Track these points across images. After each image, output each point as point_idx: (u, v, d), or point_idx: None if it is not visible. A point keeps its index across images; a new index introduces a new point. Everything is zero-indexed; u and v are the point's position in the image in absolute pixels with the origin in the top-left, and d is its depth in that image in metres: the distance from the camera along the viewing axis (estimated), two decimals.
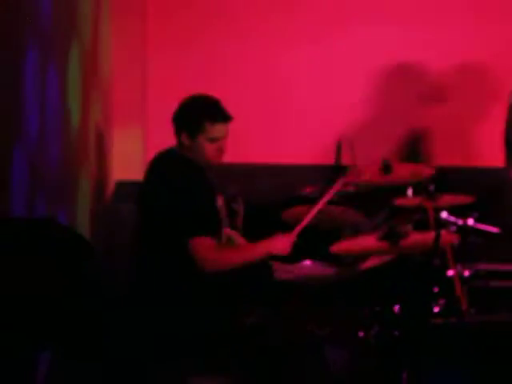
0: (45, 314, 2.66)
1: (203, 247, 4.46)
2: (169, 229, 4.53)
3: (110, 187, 6.32)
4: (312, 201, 5.17)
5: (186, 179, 4.57)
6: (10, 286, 2.61)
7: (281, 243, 4.58)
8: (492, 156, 5.91)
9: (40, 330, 2.67)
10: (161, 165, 4.73)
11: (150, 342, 4.50)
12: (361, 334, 4.49)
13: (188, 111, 4.64)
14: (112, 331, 4.45)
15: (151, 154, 4.94)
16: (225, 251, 4.62)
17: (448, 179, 5.64)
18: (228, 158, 4.77)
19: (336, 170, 5.36)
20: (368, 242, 4.62)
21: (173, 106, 4.76)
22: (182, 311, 4.50)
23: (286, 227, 4.97)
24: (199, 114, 4.58)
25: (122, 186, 6.33)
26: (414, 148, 6.67)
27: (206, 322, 4.44)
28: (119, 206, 5.97)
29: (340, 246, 4.66)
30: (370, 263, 4.92)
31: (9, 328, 2.59)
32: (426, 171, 5.29)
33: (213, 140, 4.58)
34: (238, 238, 4.92)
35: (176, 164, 4.65)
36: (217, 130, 4.57)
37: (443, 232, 4.48)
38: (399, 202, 5.21)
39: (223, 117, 4.59)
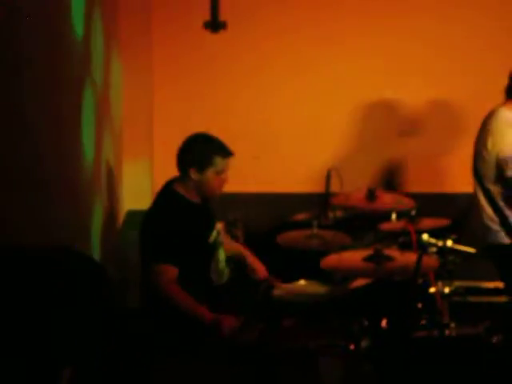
0: (65, 334, 2.61)
1: (160, 274, 4.46)
2: (147, 253, 4.58)
3: (121, 216, 6.31)
4: (304, 226, 5.19)
5: (170, 216, 4.59)
6: (31, 308, 2.56)
7: (225, 327, 4.34)
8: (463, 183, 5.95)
9: (61, 350, 2.62)
10: (159, 201, 4.76)
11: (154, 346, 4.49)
12: (352, 346, 4.48)
13: (198, 147, 4.65)
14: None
15: (158, 185, 4.93)
16: (177, 292, 4.49)
17: (425, 205, 5.65)
18: (228, 187, 4.77)
19: (326, 197, 5.37)
20: (355, 262, 4.59)
21: (176, 141, 4.76)
22: (175, 326, 4.49)
23: (280, 250, 4.98)
24: (209, 149, 4.61)
25: (132, 214, 6.32)
26: (394, 177, 6.68)
27: (199, 336, 4.40)
28: (129, 232, 5.95)
29: (328, 263, 4.63)
30: (359, 282, 4.92)
31: (32, 348, 2.54)
32: (407, 201, 5.31)
33: (219, 173, 4.61)
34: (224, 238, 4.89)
35: (170, 202, 4.67)
36: (223, 164, 4.61)
37: (425, 256, 4.47)
38: (384, 226, 5.22)
39: (229, 152, 4.63)
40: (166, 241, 4.49)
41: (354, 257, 4.64)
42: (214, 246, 4.73)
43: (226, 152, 4.62)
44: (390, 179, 6.64)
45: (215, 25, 6.31)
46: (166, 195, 4.71)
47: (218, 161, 4.59)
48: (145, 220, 4.71)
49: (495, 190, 4.63)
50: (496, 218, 4.64)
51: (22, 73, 3.62)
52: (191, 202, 4.66)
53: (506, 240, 4.62)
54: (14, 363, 2.43)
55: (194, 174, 4.61)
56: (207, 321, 4.35)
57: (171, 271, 4.47)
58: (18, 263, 2.59)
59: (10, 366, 2.43)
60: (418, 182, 6.59)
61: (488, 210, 4.67)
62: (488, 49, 6.37)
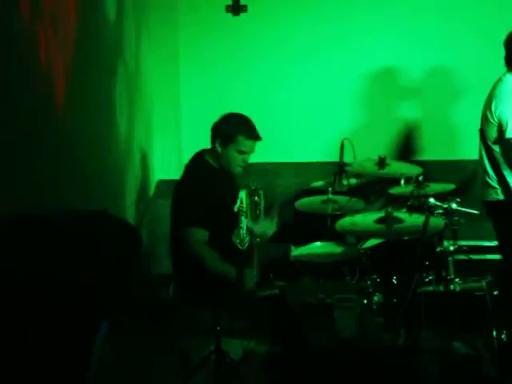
0: (103, 291, 2.65)
1: (191, 235, 4.51)
2: (180, 217, 4.61)
3: (152, 185, 6.40)
4: (320, 193, 5.23)
5: (199, 183, 4.63)
6: (74, 269, 2.60)
7: (249, 283, 4.42)
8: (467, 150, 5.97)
9: (99, 304, 2.66)
10: (189, 169, 4.78)
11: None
12: (364, 300, 4.54)
13: (226, 123, 4.66)
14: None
15: (185, 158, 4.99)
16: (205, 250, 4.56)
17: (432, 171, 5.69)
18: (252, 158, 4.79)
19: (340, 166, 5.40)
20: (367, 224, 4.64)
21: (201, 116, 4.81)
22: (205, 286, 4.53)
23: (299, 214, 5.02)
24: (235, 127, 4.62)
25: (161, 183, 6.38)
26: (403, 145, 6.70)
27: (228, 292, 4.45)
28: (159, 201, 6.01)
29: (343, 225, 4.67)
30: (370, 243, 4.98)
31: (75, 304, 2.59)
32: (415, 170, 5.35)
33: (241, 152, 4.62)
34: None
35: (199, 170, 4.71)
36: (246, 144, 4.61)
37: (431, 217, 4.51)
38: (394, 191, 5.27)
39: (254, 135, 4.63)
40: (198, 206, 4.53)
41: (366, 219, 4.71)
42: (238, 214, 4.76)
43: (250, 133, 4.61)
44: (400, 148, 6.65)
45: (236, 8, 6.38)
46: (197, 164, 4.73)
47: (240, 140, 4.59)
48: (177, 186, 4.74)
49: (496, 149, 4.67)
50: (495, 176, 4.68)
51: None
52: (219, 172, 4.69)
53: (502, 196, 4.66)
54: (56, 318, 2.52)
55: (218, 147, 4.65)
56: (232, 275, 4.40)
57: (201, 233, 4.53)
58: (63, 226, 2.67)
59: (53, 320, 2.51)
60: (426, 150, 6.61)
61: (489, 168, 4.71)
62: (490, 14, 6.35)
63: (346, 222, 4.73)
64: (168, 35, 6.40)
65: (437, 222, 4.59)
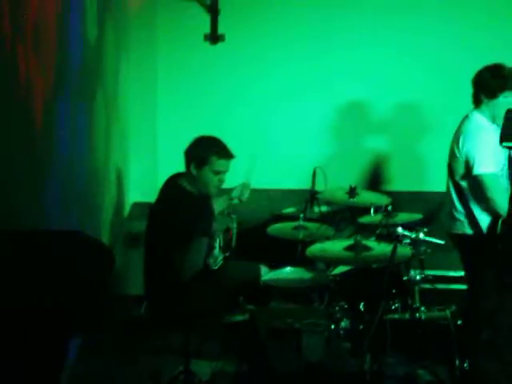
0: (74, 309, 2.64)
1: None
2: (164, 244, 4.62)
3: (127, 207, 6.43)
4: (291, 218, 5.28)
5: (183, 209, 4.64)
6: (45, 287, 2.59)
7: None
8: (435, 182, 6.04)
9: (70, 322, 2.65)
10: (166, 194, 4.80)
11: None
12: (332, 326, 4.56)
13: (198, 146, 4.70)
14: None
15: (161, 181, 4.99)
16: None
17: (400, 201, 5.75)
18: (225, 183, 4.82)
19: (312, 193, 5.45)
20: (337, 250, 4.68)
21: (177, 140, 4.84)
22: (177, 307, 4.56)
23: (270, 240, 5.06)
24: (207, 149, 4.65)
25: (136, 206, 6.37)
26: (373, 175, 6.77)
27: (199, 315, 4.50)
28: (134, 222, 6.02)
29: (313, 251, 4.72)
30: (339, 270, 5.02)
31: (46, 322, 2.58)
32: (384, 198, 5.42)
33: (216, 172, 4.65)
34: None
35: (177, 196, 4.72)
36: (220, 164, 4.64)
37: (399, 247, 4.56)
38: (363, 219, 5.34)
39: (226, 154, 4.66)
40: (183, 229, 4.53)
41: (336, 246, 4.74)
42: (213, 235, 4.79)
43: (222, 153, 4.64)
44: (370, 177, 6.71)
45: (214, 37, 6.45)
46: (173, 189, 4.74)
47: (214, 160, 4.62)
48: (156, 212, 4.75)
49: (464, 184, 4.74)
50: (463, 210, 4.76)
51: None
52: (194, 195, 4.71)
53: (469, 230, 4.73)
54: (28, 335, 2.52)
55: (193, 170, 4.67)
56: None
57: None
58: (36, 244, 2.68)
59: (25, 337, 2.51)
60: (394, 181, 6.68)
61: (456, 202, 4.78)
62: (458, 53, 6.46)
63: (316, 248, 4.77)
64: (147, 59, 6.43)
65: (404, 250, 4.64)
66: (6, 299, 2.47)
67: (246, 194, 5.03)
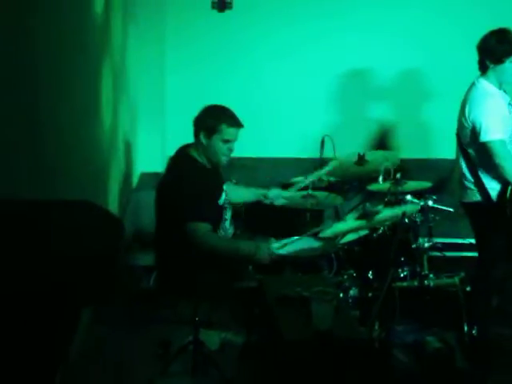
0: (83, 281, 2.64)
1: (196, 230, 4.48)
2: (175, 214, 4.58)
3: (136, 177, 6.43)
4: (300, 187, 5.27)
5: (193, 179, 4.60)
6: (55, 258, 2.56)
7: (264, 255, 4.51)
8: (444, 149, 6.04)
9: (83, 291, 2.64)
10: (176, 165, 4.75)
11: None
12: (341, 294, 4.60)
13: (208, 115, 4.66)
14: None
15: (169, 152, 4.98)
16: (216, 238, 4.58)
17: (410, 168, 5.73)
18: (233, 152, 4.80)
19: (321, 162, 5.43)
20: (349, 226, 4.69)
21: (185, 110, 4.82)
22: (186, 277, 4.54)
23: (278, 209, 5.05)
24: (217, 118, 4.62)
25: (145, 176, 6.40)
26: (381, 143, 6.77)
27: (208, 284, 4.47)
28: (142, 192, 6.02)
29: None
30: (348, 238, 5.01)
31: (54, 294, 2.58)
32: (394, 157, 5.39)
33: (225, 141, 4.62)
34: None
35: (187, 166, 4.68)
36: (229, 132, 4.60)
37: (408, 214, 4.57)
38: (372, 187, 5.32)
39: (236, 123, 4.62)
40: (195, 200, 4.50)
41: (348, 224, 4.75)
42: (223, 207, 4.78)
43: (232, 121, 4.60)
44: (377, 145, 6.73)
45: (222, 5, 6.42)
46: (184, 159, 4.70)
47: (224, 128, 4.58)
48: (166, 183, 4.72)
49: (472, 153, 4.72)
50: (472, 179, 4.74)
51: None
52: (205, 166, 4.68)
53: (479, 198, 4.72)
54: (37, 308, 2.52)
55: (202, 139, 4.64)
56: (252, 250, 4.48)
57: (204, 226, 4.51)
58: (45, 214, 2.66)
59: (34, 310, 2.51)
60: (402, 148, 6.65)
61: (466, 171, 4.76)
62: (463, 18, 6.44)
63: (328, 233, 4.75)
64: (154, 30, 6.43)
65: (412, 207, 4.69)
66: (11, 272, 2.45)
67: (280, 202, 5.04)
